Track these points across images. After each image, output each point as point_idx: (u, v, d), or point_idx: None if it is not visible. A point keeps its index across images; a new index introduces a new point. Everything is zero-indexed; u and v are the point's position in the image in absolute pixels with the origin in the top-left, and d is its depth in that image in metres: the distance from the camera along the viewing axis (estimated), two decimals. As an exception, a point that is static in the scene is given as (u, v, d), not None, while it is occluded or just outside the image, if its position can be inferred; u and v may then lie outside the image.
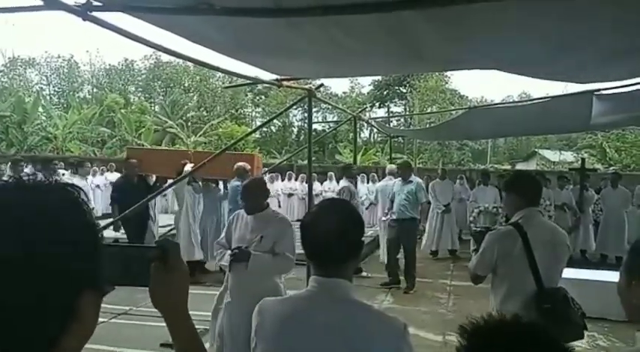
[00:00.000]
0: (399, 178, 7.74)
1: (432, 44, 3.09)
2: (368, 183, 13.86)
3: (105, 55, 59.97)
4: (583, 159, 10.92)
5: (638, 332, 1.28)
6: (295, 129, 37.76)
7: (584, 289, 4.28)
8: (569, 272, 3.79)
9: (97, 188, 13.20)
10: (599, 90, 5.62)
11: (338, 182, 14.62)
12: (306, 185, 8.08)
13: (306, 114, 6.22)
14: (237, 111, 37.81)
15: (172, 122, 28.82)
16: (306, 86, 5.78)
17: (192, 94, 37.22)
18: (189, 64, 28.16)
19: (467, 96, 36.19)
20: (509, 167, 27.59)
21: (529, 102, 7.72)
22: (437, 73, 30.80)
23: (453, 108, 25.65)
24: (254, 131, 25.09)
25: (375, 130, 24.80)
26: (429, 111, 29.50)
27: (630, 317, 1.33)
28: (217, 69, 4.49)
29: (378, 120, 15.61)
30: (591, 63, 3.48)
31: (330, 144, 31.11)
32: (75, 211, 0.68)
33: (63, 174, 10.31)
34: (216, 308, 3.88)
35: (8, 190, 0.66)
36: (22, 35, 59.67)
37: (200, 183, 7.88)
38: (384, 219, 8.37)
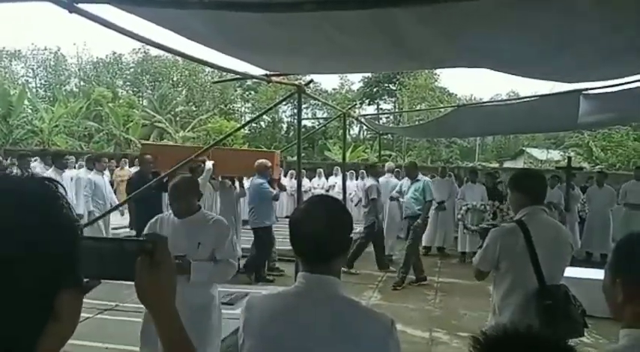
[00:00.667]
0: (407, 178, 8.00)
1: (423, 42, 3.08)
2: (357, 180, 13.87)
3: (92, 48, 59.24)
4: (569, 158, 11.02)
5: (622, 330, 1.29)
6: (285, 126, 37.68)
7: (569, 286, 4.33)
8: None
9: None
10: (586, 89, 5.67)
11: (327, 178, 14.67)
12: (295, 181, 8.09)
13: (295, 111, 6.21)
14: (226, 106, 37.59)
15: (161, 117, 28.61)
16: (296, 82, 5.76)
17: (180, 89, 36.92)
18: (178, 58, 27.94)
19: (456, 94, 36.40)
20: (497, 165, 27.79)
21: (517, 101, 7.77)
22: (426, 71, 30.88)
23: (441, 106, 25.72)
24: (243, 126, 24.98)
25: (365, 127, 24.83)
26: (418, 108, 29.57)
27: (614, 314, 1.34)
28: (206, 63, 4.44)
29: (367, 117, 15.61)
30: (583, 63, 3.51)
31: (320, 140, 31.08)
32: (52, 207, 0.65)
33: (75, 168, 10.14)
34: (145, 329, 3.27)
35: None
36: (8, 27, 58.77)
37: (218, 181, 7.69)
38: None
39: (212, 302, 3.37)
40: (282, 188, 8.73)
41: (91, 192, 8.22)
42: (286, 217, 11.69)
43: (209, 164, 6.97)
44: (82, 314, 0.69)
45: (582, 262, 8.63)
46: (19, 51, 38.57)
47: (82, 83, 37.54)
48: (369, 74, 33.71)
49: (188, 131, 28.07)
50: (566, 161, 10.90)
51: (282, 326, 1.46)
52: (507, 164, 30.44)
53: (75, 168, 10.58)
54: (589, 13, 2.38)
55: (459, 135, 19.83)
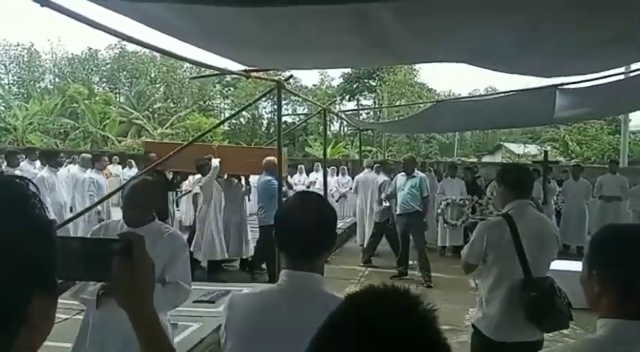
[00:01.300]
0: (402, 172, 7.74)
1: (401, 36, 3.08)
2: (337, 175, 13.87)
3: (67, 44, 57.99)
4: (546, 152, 11.22)
5: (598, 320, 1.31)
6: (265, 122, 37.46)
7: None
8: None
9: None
10: (562, 84, 5.76)
11: (308, 175, 14.64)
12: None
13: (275, 107, 6.17)
14: (205, 102, 37.21)
15: (138, 113, 28.17)
16: (276, 78, 5.73)
17: (158, 85, 36.39)
18: (156, 54, 27.54)
19: (435, 90, 36.60)
20: (475, 160, 28.11)
21: (495, 96, 7.86)
22: (406, 67, 30.99)
23: (421, 101, 25.91)
24: (222, 122, 24.74)
25: (345, 123, 24.84)
26: (397, 104, 29.70)
27: (591, 305, 1.36)
28: (184, 59, 4.39)
29: (347, 112, 15.65)
30: (560, 58, 3.55)
31: (301, 136, 31.02)
32: (23, 206, 0.61)
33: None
34: (82, 330, 2.89)
35: None
36: (-22, 22, 57.10)
37: (224, 179, 7.50)
38: (377, 208, 8.76)
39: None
40: (290, 186, 8.60)
41: (96, 191, 7.91)
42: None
43: (215, 162, 6.80)
44: (60, 316, 0.67)
45: (559, 254, 8.78)
46: (-11, 47, 37.55)
47: (56, 80, 36.71)
48: (349, 70, 33.72)
49: (166, 128, 27.69)
50: (542, 155, 11.08)
51: (265, 324, 1.45)
52: (486, 159, 30.86)
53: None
54: (564, 9, 2.40)
55: (438, 131, 19.98)
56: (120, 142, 25.66)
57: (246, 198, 7.84)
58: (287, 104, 33.23)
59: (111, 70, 38.27)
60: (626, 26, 2.68)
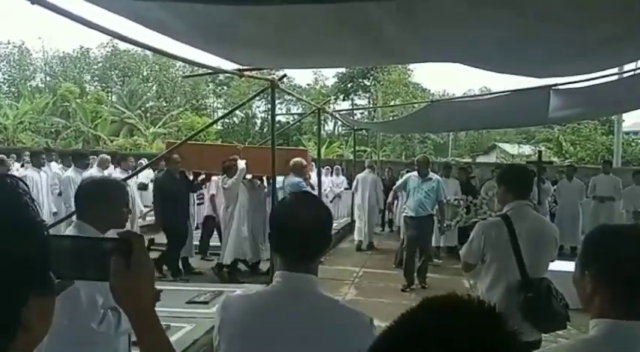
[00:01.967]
0: (415, 174, 7.24)
1: (395, 36, 3.06)
2: (332, 175, 13.82)
3: (59, 42, 57.64)
4: (540, 152, 11.24)
5: (591, 320, 1.31)
6: (258, 121, 37.42)
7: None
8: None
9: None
10: (556, 85, 5.77)
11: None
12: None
13: (269, 106, 6.13)
14: (198, 101, 37.09)
15: (130, 112, 28.04)
16: (269, 77, 5.69)
17: (151, 84, 36.22)
18: (148, 52, 27.39)
19: (429, 90, 36.71)
20: (469, 160, 28.19)
21: (489, 96, 7.87)
22: (400, 67, 31.07)
23: (415, 101, 25.95)
24: (215, 122, 24.65)
25: (339, 123, 24.88)
26: (392, 104, 29.73)
27: (584, 305, 1.36)
28: (177, 58, 4.34)
29: (341, 112, 15.63)
30: (554, 58, 3.54)
31: (295, 136, 30.98)
32: (14, 205, 0.59)
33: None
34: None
35: None
36: (-31, 20, 56.54)
37: (248, 180, 7.30)
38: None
39: None
40: (313, 187, 8.51)
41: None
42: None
43: (242, 163, 6.63)
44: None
45: (553, 254, 8.82)
46: (-21, 45, 37.18)
47: (47, 78, 36.44)
48: (344, 70, 33.75)
49: (159, 127, 27.56)
50: (536, 155, 11.10)
51: (259, 325, 1.44)
52: (480, 159, 30.93)
53: (45, 165, 10.08)
54: (562, 10, 2.39)
55: (433, 131, 20.03)
56: (112, 142, 25.50)
57: (268, 199, 7.52)
58: (281, 103, 33.25)
59: (103, 68, 38.03)
60: (620, 27, 2.67)
